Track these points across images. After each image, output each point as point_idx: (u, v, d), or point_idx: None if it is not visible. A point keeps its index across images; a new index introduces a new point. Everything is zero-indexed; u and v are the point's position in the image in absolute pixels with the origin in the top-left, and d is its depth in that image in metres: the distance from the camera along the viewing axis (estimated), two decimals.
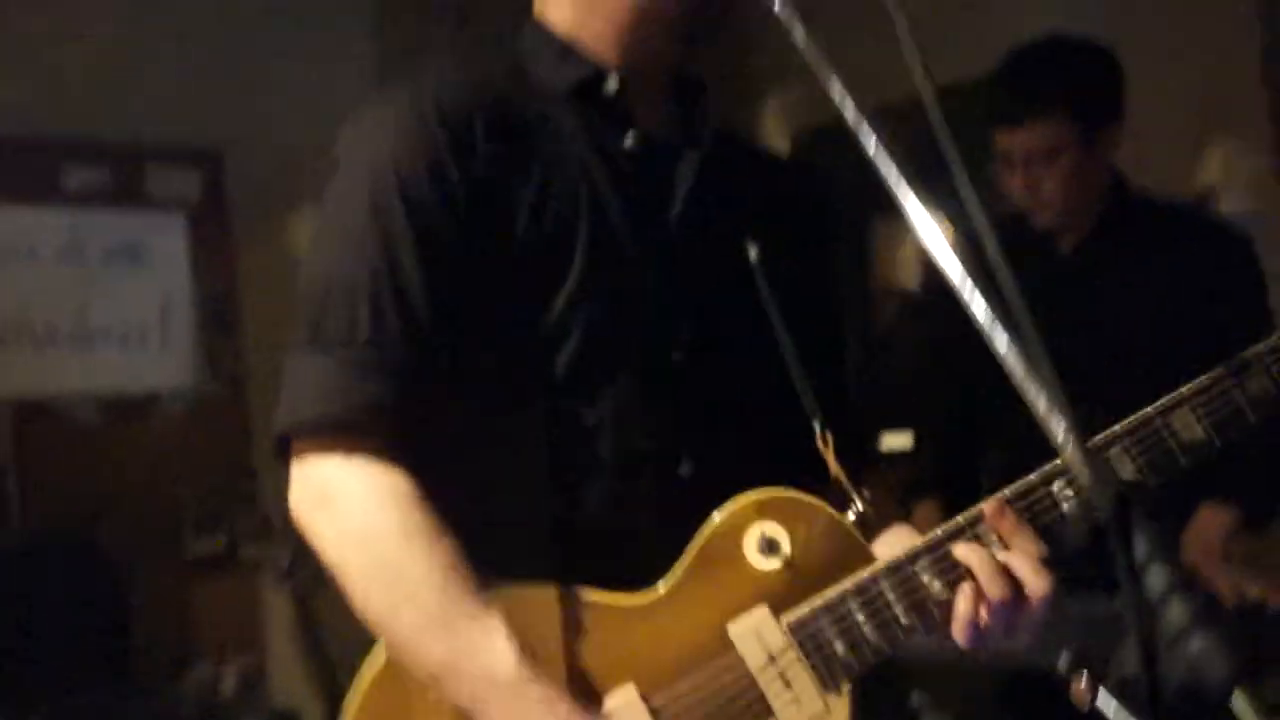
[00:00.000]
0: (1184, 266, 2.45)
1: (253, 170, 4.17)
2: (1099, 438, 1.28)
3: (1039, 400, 0.95)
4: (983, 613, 1.25)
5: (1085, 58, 2.51)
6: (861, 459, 1.44)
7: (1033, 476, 1.28)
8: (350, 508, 1.27)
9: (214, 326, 4.19)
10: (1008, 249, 2.58)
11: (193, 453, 4.12)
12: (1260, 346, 1.32)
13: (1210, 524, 2.41)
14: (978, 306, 0.99)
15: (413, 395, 1.27)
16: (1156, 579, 2.09)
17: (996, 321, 0.98)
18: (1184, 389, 1.31)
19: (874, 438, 1.60)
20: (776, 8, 1.11)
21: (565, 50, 1.39)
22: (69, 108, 3.84)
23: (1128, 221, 2.52)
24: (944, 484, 2.62)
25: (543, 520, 1.31)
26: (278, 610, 3.99)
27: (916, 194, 1.04)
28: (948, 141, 1.02)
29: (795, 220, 1.51)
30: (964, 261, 1.01)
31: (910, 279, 4.41)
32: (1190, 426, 1.29)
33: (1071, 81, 2.45)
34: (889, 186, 1.05)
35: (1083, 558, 1.27)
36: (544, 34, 1.42)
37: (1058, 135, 2.41)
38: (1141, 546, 2.04)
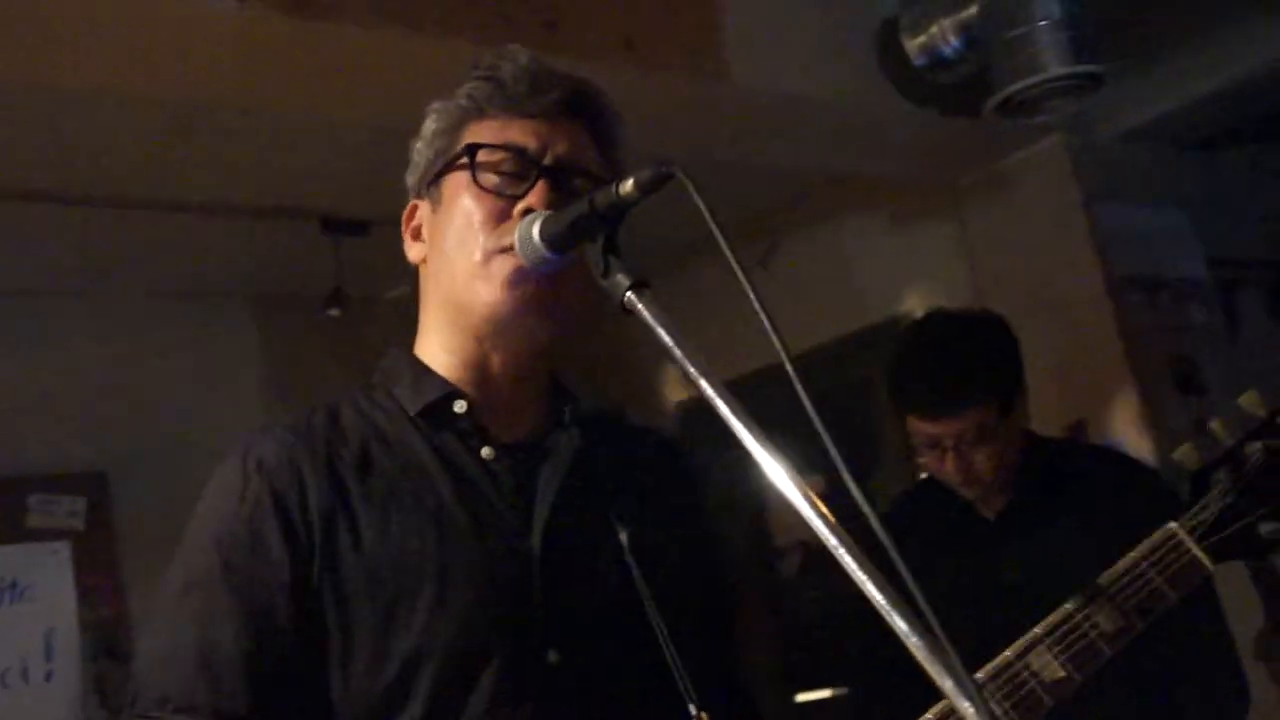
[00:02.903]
0: (1105, 506, 2.41)
1: (138, 492, 4.12)
2: (1019, 643, 1.30)
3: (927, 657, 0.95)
4: None
5: (992, 337, 2.50)
6: None
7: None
8: None
9: (103, 655, 4.04)
10: (933, 517, 2.56)
11: None
12: (1104, 578, 1.39)
13: None
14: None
15: None
16: None
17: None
18: (1037, 629, 1.34)
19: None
20: (625, 300, 1.15)
21: (421, 372, 1.43)
22: None
23: (1044, 473, 2.50)
24: None
25: None
26: None
27: (783, 462, 1.05)
28: (813, 411, 1.04)
29: (670, 500, 1.51)
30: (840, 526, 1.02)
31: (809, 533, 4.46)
32: (1049, 666, 1.32)
33: (990, 368, 2.44)
34: (755, 455, 1.06)
35: None
36: (405, 356, 1.47)
37: (985, 419, 2.39)
38: None
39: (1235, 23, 3.94)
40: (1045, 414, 2.82)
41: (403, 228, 1.51)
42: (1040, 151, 4.14)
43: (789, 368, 1.03)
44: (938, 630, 0.94)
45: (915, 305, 4.47)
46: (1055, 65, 3.18)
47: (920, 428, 2.46)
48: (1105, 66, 3.23)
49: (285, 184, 3.65)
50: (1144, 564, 1.42)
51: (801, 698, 4.68)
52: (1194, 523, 1.44)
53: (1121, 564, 1.43)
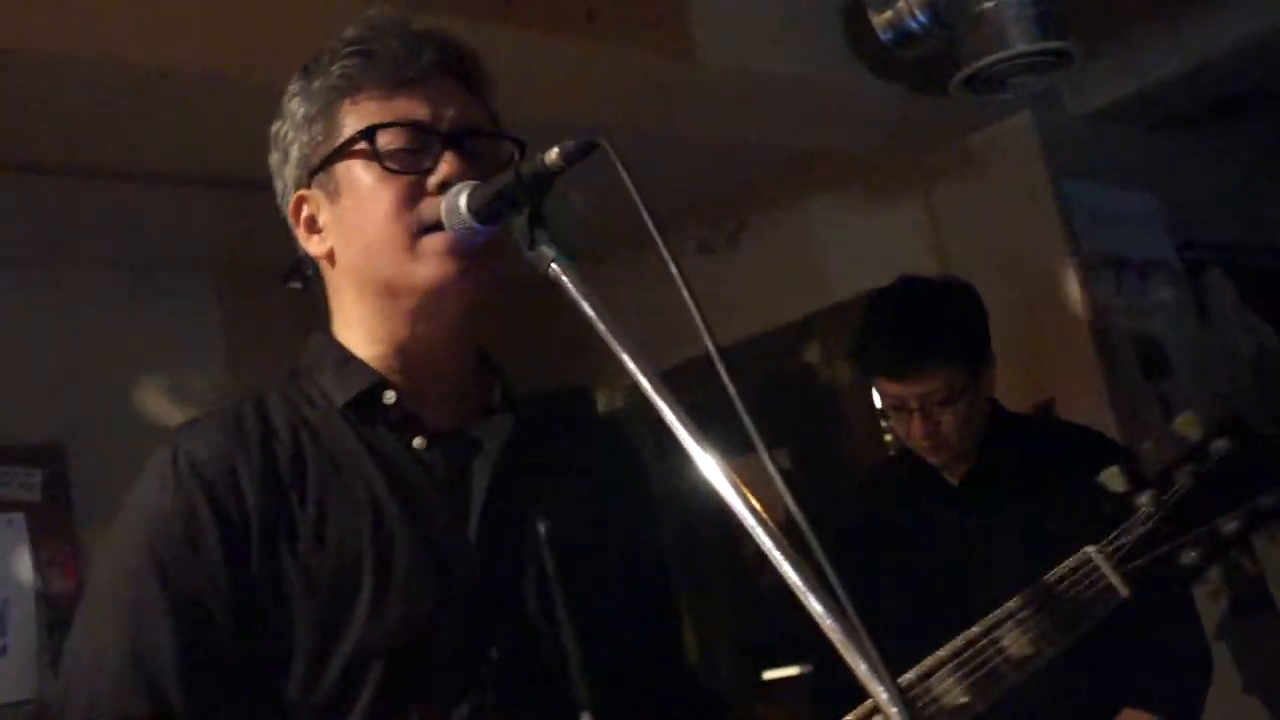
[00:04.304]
0: (1076, 480, 2.40)
1: (96, 465, 4.08)
2: (922, 665, 1.26)
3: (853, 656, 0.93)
4: None
5: (959, 301, 2.52)
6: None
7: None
8: None
9: (60, 628, 4.00)
10: (901, 484, 2.57)
11: None
12: (1014, 601, 1.34)
13: None
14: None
15: None
16: None
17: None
18: (941, 652, 1.31)
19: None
20: (549, 271, 1.13)
21: (345, 360, 1.38)
22: None
23: (1007, 444, 2.53)
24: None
25: None
26: None
27: (712, 454, 1.03)
28: (739, 400, 1.02)
29: (607, 480, 1.48)
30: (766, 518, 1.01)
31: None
32: (950, 692, 1.28)
33: (956, 330, 2.46)
34: (688, 448, 1.04)
35: None
36: (327, 342, 1.42)
37: (954, 381, 2.41)
38: None
39: (1204, 3, 3.92)
40: (1011, 391, 2.83)
41: (292, 222, 1.43)
42: (1008, 129, 4.13)
43: (711, 346, 1.02)
44: (852, 615, 0.93)
45: (882, 282, 4.45)
46: (1021, 41, 3.17)
47: (887, 389, 2.48)
48: (1073, 44, 3.21)
49: (248, 155, 3.60)
50: (1059, 587, 1.37)
51: (768, 675, 4.70)
52: (1113, 547, 1.39)
53: (1035, 587, 1.38)
